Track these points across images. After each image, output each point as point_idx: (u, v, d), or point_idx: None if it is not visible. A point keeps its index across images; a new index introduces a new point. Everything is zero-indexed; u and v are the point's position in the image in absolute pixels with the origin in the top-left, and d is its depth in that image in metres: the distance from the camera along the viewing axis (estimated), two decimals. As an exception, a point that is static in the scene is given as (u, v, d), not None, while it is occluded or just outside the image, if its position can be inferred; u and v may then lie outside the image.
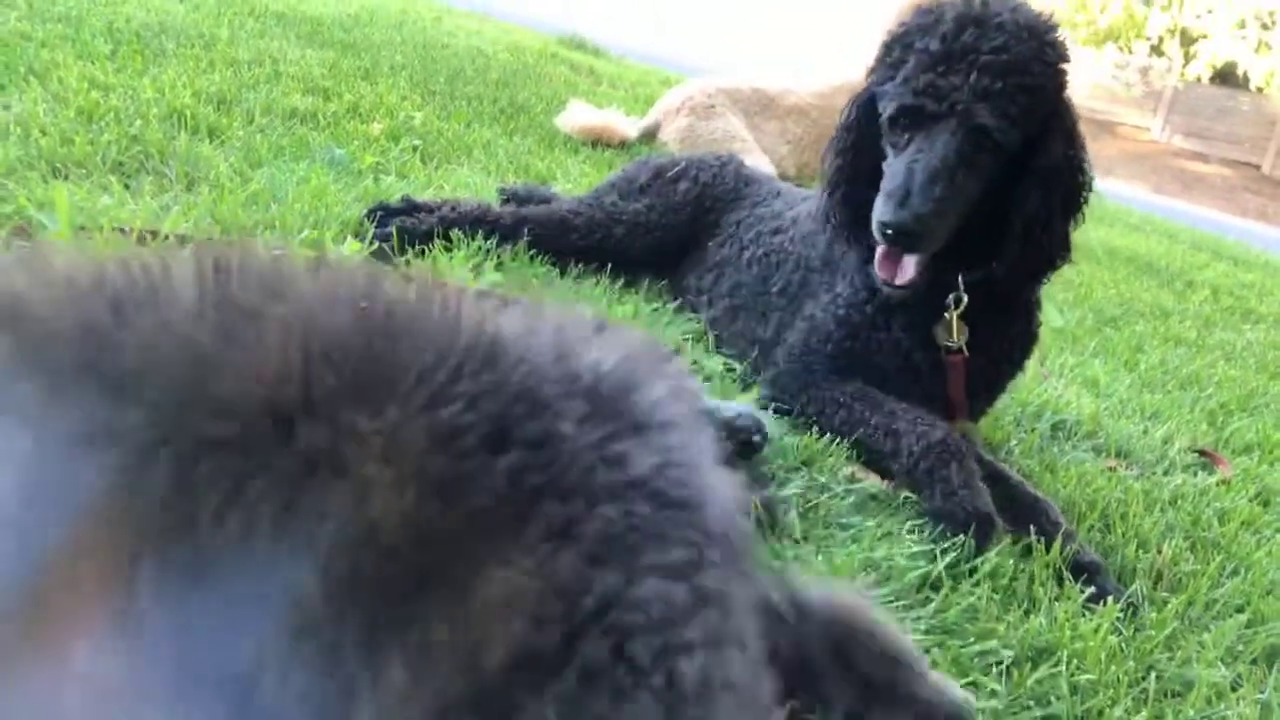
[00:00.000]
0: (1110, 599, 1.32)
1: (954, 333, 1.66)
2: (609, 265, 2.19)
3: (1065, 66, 1.54)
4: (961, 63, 1.47)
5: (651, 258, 2.25)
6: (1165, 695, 1.17)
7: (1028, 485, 1.60)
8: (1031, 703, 1.08)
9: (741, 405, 1.55)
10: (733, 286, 2.07)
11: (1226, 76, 21.55)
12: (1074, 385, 2.41)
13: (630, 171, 2.40)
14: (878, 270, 1.61)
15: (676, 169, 2.32)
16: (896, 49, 1.57)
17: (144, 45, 3.12)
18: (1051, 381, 2.37)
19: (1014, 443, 1.91)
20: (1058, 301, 3.45)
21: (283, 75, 3.30)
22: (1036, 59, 1.49)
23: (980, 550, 1.37)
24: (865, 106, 1.65)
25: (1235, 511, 1.78)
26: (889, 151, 1.59)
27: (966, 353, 1.67)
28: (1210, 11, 21.76)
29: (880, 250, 1.61)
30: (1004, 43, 1.47)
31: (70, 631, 0.53)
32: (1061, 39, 1.54)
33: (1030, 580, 1.34)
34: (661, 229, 2.24)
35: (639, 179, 2.33)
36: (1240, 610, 1.42)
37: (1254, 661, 1.31)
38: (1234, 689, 1.22)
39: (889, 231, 1.51)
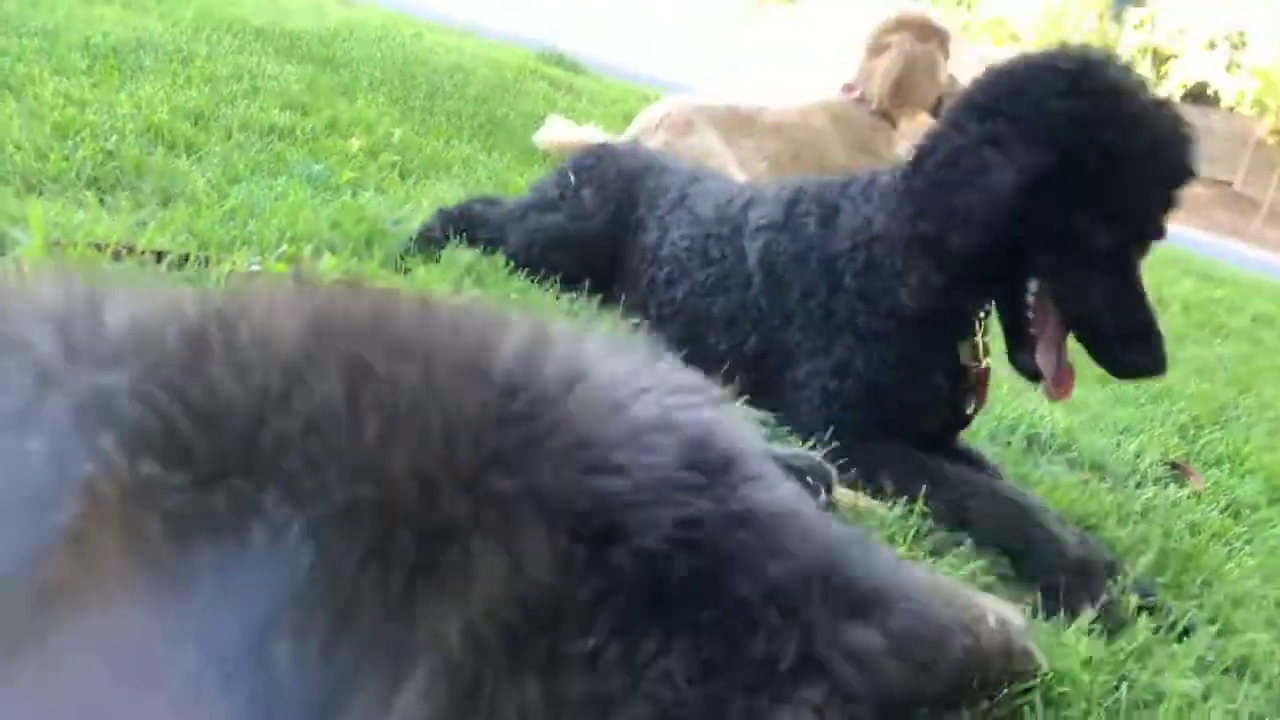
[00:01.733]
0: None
1: (979, 350, 1.67)
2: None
3: None
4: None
5: (578, 271, 2.14)
6: (1138, 706, 1.18)
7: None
8: (1004, 717, 1.08)
9: (798, 449, 1.51)
10: (684, 297, 1.99)
11: (1199, 95, 21.90)
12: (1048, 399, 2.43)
13: (543, 184, 2.37)
14: (1050, 386, 1.61)
15: (568, 182, 2.26)
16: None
17: (121, 61, 3.10)
18: (1026, 395, 2.39)
19: (989, 456, 1.92)
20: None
21: (261, 91, 3.29)
22: None
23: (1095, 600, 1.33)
24: (1029, 184, 1.47)
25: (1206, 523, 1.80)
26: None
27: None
28: (1182, 31, 22.13)
29: (1060, 367, 1.61)
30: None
31: None
32: None
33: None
34: (578, 243, 2.18)
35: (548, 192, 2.29)
36: (1211, 621, 1.43)
37: (1225, 672, 1.32)
38: (1205, 699, 1.23)
39: (1139, 375, 1.58)
